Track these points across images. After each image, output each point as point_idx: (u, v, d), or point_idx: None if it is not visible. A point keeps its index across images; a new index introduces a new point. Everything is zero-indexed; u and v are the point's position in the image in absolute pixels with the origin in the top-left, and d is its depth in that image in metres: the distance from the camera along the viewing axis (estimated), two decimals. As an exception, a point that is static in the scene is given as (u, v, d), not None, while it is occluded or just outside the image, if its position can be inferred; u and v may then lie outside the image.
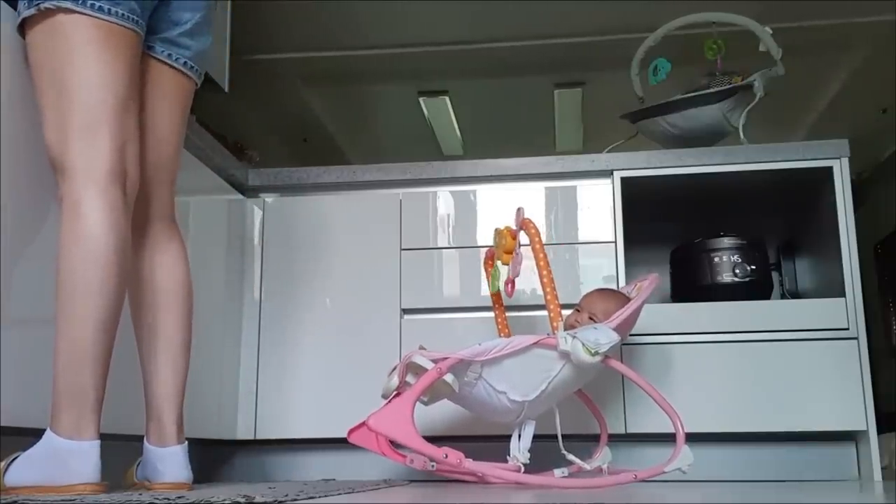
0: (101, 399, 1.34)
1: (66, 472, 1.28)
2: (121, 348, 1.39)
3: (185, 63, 1.56)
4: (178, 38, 1.53)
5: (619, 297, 1.91)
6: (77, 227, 1.32)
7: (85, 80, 1.36)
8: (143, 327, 1.53)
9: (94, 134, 1.36)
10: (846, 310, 2.17)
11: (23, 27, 1.40)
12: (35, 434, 1.34)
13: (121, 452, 1.58)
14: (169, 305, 1.52)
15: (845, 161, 2.26)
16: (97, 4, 1.36)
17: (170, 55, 1.53)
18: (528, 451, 1.79)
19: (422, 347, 1.79)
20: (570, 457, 1.80)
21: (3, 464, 1.33)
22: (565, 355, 1.69)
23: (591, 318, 1.84)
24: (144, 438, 1.52)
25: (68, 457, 1.29)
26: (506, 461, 1.79)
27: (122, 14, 1.39)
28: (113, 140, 1.38)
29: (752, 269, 2.36)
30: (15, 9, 1.41)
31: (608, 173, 2.34)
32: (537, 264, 1.77)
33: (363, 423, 1.68)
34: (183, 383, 1.54)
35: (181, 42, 1.54)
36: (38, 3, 1.36)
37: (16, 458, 1.33)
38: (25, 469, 1.30)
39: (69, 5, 1.35)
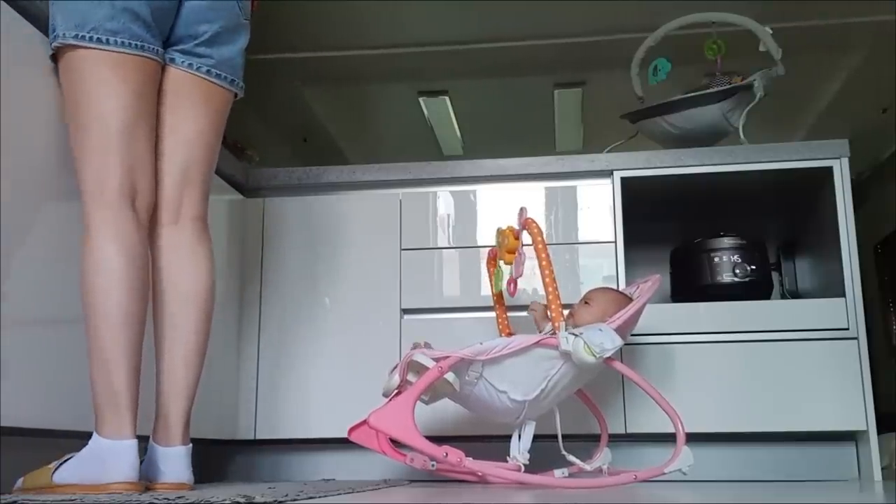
0: (135, 400, 1.40)
1: (103, 472, 1.35)
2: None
3: (209, 71, 1.60)
4: (196, 48, 1.58)
5: (623, 298, 1.91)
6: (87, 243, 1.42)
7: (91, 108, 1.45)
8: (162, 324, 1.55)
9: (101, 157, 1.44)
10: (846, 310, 2.17)
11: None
12: (34, 434, 1.36)
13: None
14: (189, 305, 1.56)
15: (845, 161, 2.26)
16: (95, 37, 1.44)
17: (190, 65, 1.59)
18: (528, 451, 1.79)
19: (426, 344, 1.79)
20: (570, 457, 1.80)
21: (54, 463, 1.40)
22: (566, 355, 1.69)
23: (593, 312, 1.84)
24: (150, 437, 1.54)
25: (107, 456, 1.36)
26: (506, 461, 1.79)
27: (124, 42, 1.45)
28: (119, 162, 1.45)
29: (752, 269, 2.36)
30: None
31: (608, 173, 2.34)
32: (539, 264, 1.76)
33: (364, 422, 1.69)
34: (194, 385, 1.56)
35: (200, 52, 1.59)
36: (51, 42, 1.46)
37: (69, 458, 1.40)
38: (72, 469, 1.38)
39: (72, 41, 1.43)
